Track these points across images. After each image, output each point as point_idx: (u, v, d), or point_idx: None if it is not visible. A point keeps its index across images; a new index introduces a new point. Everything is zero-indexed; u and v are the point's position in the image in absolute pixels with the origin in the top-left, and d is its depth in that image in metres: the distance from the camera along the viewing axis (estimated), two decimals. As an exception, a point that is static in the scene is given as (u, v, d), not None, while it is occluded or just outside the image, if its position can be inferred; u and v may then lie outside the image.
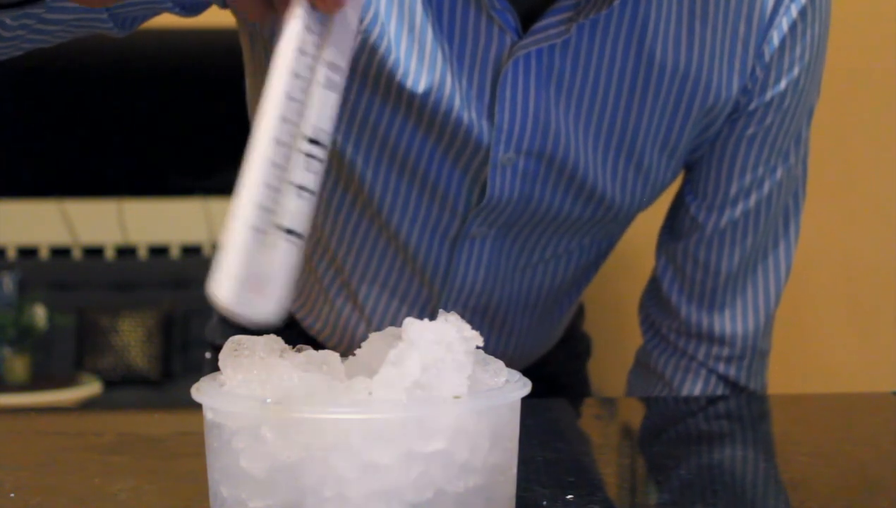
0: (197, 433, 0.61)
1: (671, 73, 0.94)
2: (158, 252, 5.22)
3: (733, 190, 1.02)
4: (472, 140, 0.95)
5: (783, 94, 0.97)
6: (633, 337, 1.16)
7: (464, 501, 0.56)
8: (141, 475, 0.80)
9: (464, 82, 0.92)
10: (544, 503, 0.70)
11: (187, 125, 5.15)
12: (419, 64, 0.91)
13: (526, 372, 0.64)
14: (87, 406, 4.18)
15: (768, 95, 0.97)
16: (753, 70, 0.96)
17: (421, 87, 0.92)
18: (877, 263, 2.07)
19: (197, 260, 5.14)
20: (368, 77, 0.92)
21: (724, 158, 1.01)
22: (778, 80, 0.97)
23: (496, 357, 1.05)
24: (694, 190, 1.05)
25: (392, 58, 0.91)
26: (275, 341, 0.61)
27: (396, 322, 1.07)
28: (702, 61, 0.94)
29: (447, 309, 1.06)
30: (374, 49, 0.90)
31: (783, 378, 1.94)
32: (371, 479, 0.54)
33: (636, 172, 0.99)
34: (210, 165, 5.21)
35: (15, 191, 5.27)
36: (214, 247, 5.20)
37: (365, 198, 1.01)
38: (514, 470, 0.61)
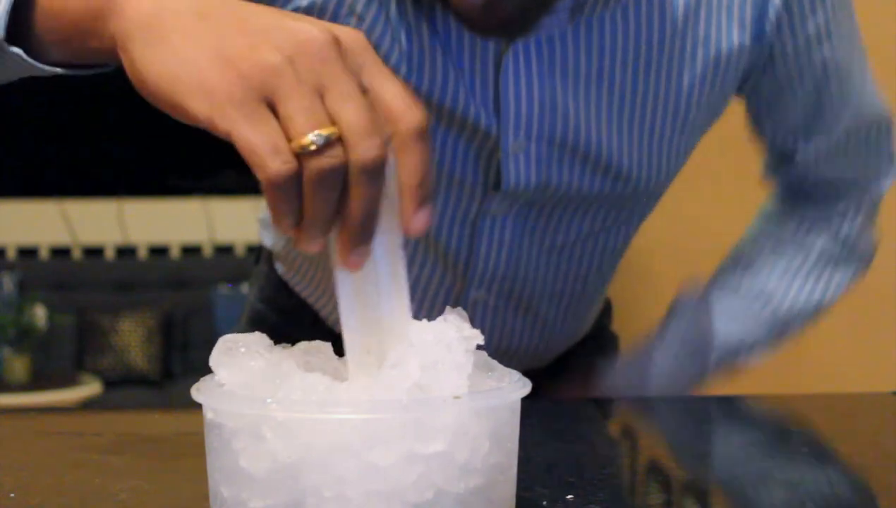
0: (197, 433, 0.61)
1: (671, 35, 0.95)
2: (158, 252, 5.22)
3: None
4: (481, 130, 0.95)
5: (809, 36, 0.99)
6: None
7: (464, 501, 0.56)
8: (141, 475, 0.80)
9: (466, 77, 0.93)
10: (544, 503, 0.70)
11: (187, 125, 5.14)
12: (420, 62, 0.92)
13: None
14: (87, 406, 4.17)
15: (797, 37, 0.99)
16: (762, 16, 0.97)
17: (424, 84, 0.92)
18: (877, 263, 2.07)
19: (197, 261, 5.14)
20: None
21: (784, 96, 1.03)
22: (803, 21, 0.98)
23: (522, 344, 1.05)
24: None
25: (395, 56, 0.91)
26: (265, 339, 0.61)
27: (422, 307, 1.07)
28: (698, 16, 0.95)
29: (472, 294, 1.06)
30: (376, 46, 0.91)
31: (783, 378, 1.94)
32: (371, 479, 0.54)
33: (650, 142, 0.99)
34: (210, 165, 5.21)
35: (15, 191, 5.28)
36: (214, 247, 5.21)
37: None
38: (514, 471, 0.61)
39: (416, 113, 0.56)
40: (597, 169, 0.99)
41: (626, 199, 1.04)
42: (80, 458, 0.86)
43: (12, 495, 0.74)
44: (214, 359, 0.60)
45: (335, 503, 0.54)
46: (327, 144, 0.54)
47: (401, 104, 0.56)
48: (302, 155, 0.53)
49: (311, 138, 0.53)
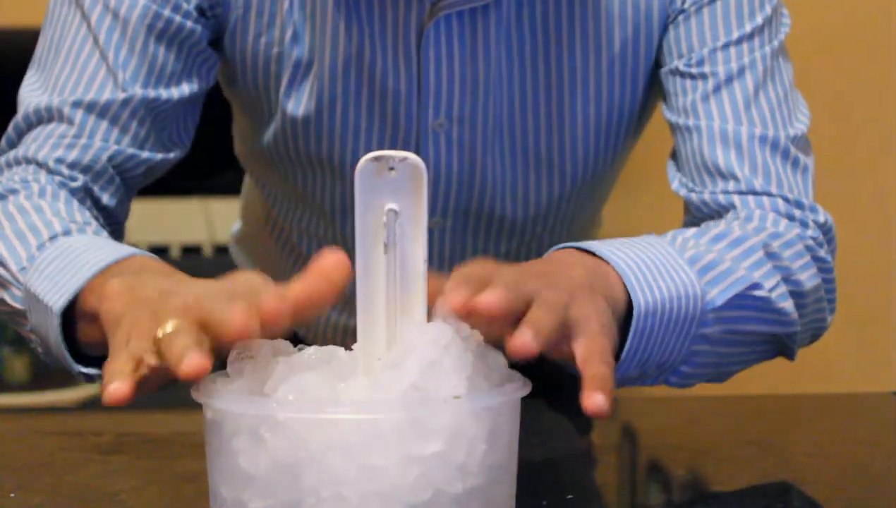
0: (197, 433, 0.61)
1: (593, 10, 0.94)
2: (158, 252, 5.22)
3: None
4: (401, 109, 0.94)
5: None
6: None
7: (462, 502, 0.56)
8: (141, 475, 0.80)
9: (389, 51, 0.93)
10: (544, 503, 0.70)
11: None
12: (335, 33, 0.92)
13: (526, 369, 0.63)
14: (87, 406, 4.17)
15: None
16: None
17: (339, 56, 0.92)
18: (876, 263, 2.07)
19: (197, 260, 5.14)
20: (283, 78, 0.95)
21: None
22: None
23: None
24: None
25: (310, 28, 0.92)
26: (282, 344, 0.61)
27: None
28: None
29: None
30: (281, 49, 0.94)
31: (783, 378, 1.94)
32: (369, 480, 0.54)
33: (572, 129, 0.97)
34: (210, 165, 5.20)
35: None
36: (214, 247, 5.20)
37: (300, 194, 1.03)
38: (514, 470, 0.61)
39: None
40: (515, 156, 0.98)
41: (563, 195, 1.01)
42: (80, 458, 0.86)
43: (12, 495, 0.74)
44: (229, 362, 0.60)
45: (333, 503, 0.54)
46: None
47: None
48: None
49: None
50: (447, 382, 0.56)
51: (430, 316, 0.60)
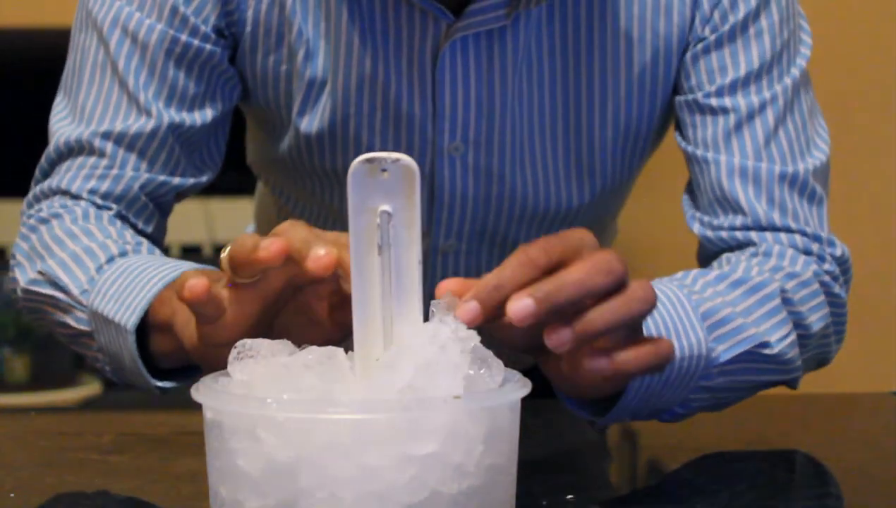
0: (197, 433, 0.61)
1: (612, 34, 0.93)
2: (158, 252, 5.21)
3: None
4: (415, 131, 0.94)
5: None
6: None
7: (459, 502, 0.56)
8: (141, 475, 0.80)
9: (403, 73, 0.92)
10: (544, 503, 0.70)
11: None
12: (349, 54, 0.92)
13: (526, 369, 0.63)
14: (87, 406, 4.17)
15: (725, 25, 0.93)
16: (693, 18, 0.93)
17: (353, 76, 0.92)
18: (877, 263, 2.07)
19: (197, 261, 5.12)
20: (296, 92, 0.95)
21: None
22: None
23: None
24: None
25: (325, 46, 0.92)
26: (281, 343, 0.61)
27: None
28: (643, 15, 0.93)
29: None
30: (298, 65, 0.93)
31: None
32: (365, 480, 0.54)
33: (590, 151, 0.97)
34: (210, 165, 5.18)
35: (15, 191, 5.27)
36: (214, 247, 5.20)
37: (317, 200, 1.03)
38: (514, 471, 0.61)
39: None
40: (544, 178, 0.98)
41: (580, 212, 1.01)
42: (80, 458, 0.86)
43: (12, 495, 0.74)
44: (230, 362, 0.60)
45: (329, 503, 0.54)
46: None
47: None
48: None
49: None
50: (444, 382, 0.56)
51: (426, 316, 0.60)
